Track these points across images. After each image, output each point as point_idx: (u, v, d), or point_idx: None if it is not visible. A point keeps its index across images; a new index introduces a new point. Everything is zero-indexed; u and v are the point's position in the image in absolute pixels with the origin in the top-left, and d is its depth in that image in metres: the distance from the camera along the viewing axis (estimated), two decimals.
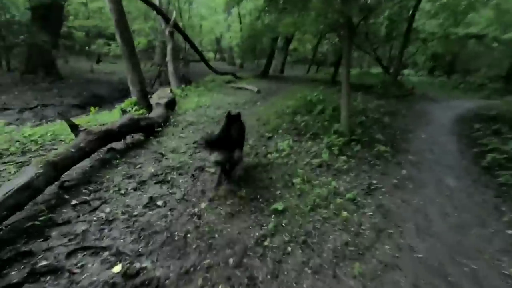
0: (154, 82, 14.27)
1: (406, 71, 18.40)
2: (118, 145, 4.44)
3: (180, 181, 3.49)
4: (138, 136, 4.88)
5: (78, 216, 2.62)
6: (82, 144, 3.30)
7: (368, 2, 7.74)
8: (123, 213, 2.73)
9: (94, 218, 2.62)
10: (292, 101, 8.10)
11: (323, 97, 8.28)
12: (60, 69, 14.11)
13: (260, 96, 9.74)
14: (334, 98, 8.14)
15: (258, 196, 3.17)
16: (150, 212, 2.79)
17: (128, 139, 4.65)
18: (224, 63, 26.54)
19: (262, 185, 3.42)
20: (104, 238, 2.39)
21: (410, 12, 10.31)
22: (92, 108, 5.46)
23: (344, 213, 2.91)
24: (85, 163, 3.69)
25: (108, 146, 4.20)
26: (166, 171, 3.70)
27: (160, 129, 5.28)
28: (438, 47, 16.20)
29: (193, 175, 3.66)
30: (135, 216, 2.71)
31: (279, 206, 2.90)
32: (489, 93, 12.93)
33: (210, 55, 30.48)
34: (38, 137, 4.48)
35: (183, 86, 10.80)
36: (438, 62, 20.62)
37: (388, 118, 6.99)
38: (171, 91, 8.72)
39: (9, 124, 8.55)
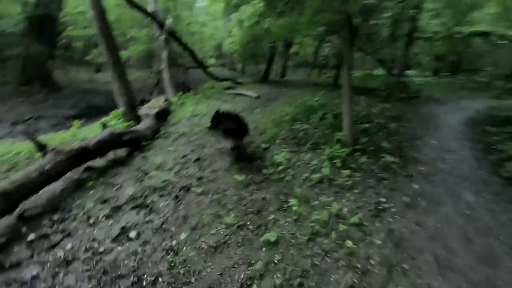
0: (152, 91, 13.97)
1: (410, 72, 17.87)
2: (98, 162, 4.06)
3: (161, 204, 3.08)
4: (122, 151, 4.51)
5: (32, 256, 2.22)
6: (47, 167, 2.91)
7: (370, 1, 7.36)
8: (86, 250, 2.32)
9: (50, 258, 2.21)
10: (291, 107, 7.69)
11: (324, 102, 7.86)
12: (58, 79, 13.91)
13: (259, 102, 9.33)
14: (336, 103, 7.71)
15: (248, 223, 2.74)
16: (119, 248, 2.37)
17: (111, 155, 4.28)
18: (225, 68, 26.25)
19: (254, 209, 2.99)
20: (57, 286, 1.97)
21: (413, 12, 9.88)
22: (74, 122, 5.09)
23: (349, 243, 2.46)
24: (58, 185, 3.31)
25: (87, 164, 3.82)
26: (146, 192, 3.29)
27: (147, 142, 4.89)
28: (443, 46, 15.73)
29: (176, 196, 3.25)
30: (100, 253, 2.29)
31: (272, 236, 2.47)
32: (499, 92, 12.37)
33: (211, 61, 30.28)
34: (13, 155, 4.14)
35: (180, 94, 10.47)
36: (442, 62, 20.12)
37: (393, 123, 6.53)
38: (165, 100, 8.37)
39: None
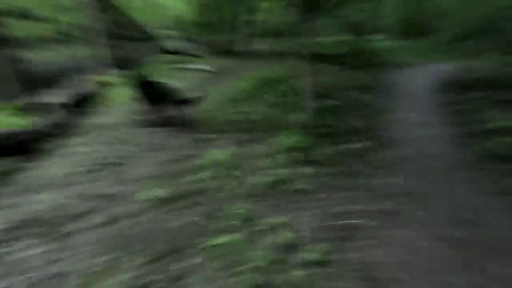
0: (95, 69, 12.08)
1: (377, 37, 17.05)
2: None
3: (29, 253, 1.98)
4: (7, 161, 3.25)
5: None
6: None
7: None
8: None
9: None
10: (248, 82, 6.57)
11: (288, 74, 6.83)
12: None
13: (214, 78, 8.10)
14: (301, 74, 6.72)
15: (152, 278, 1.74)
16: None
17: None
18: (185, 40, 23.99)
19: (168, 247, 1.98)
20: None
21: None
22: None
23: None
24: None
25: None
26: (14, 232, 2.17)
27: (46, 144, 3.63)
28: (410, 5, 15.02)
29: (58, 237, 2.15)
30: None
31: None
32: (469, 53, 11.91)
33: (170, 32, 27.67)
34: None
35: (118, 72, 8.86)
36: (410, 23, 19.56)
37: (362, 95, 5.66)
38: (95, 81, 6.91)
39: None
